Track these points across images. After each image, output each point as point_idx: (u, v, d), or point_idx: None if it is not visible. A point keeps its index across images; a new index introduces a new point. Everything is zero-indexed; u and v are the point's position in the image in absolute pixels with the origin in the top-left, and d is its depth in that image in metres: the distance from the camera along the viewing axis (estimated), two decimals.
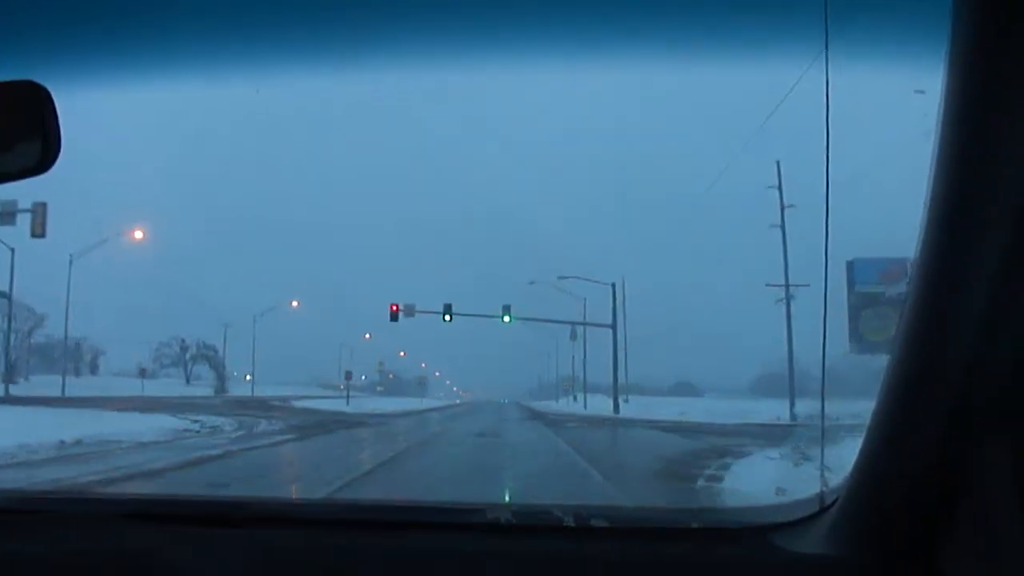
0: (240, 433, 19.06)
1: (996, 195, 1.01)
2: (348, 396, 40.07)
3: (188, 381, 56.21)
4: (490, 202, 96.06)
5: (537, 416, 33.79)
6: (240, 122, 78.11)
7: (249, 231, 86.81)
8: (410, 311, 34.94)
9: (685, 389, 52.78)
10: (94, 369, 59.36)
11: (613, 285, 36.22)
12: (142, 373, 45.13)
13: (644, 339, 40.04)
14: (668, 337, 50.29)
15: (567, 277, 38.28)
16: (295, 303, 51.66)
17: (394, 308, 34.39)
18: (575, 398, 46.87)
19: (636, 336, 38.33)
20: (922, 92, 1.25)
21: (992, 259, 1.03)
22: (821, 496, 1.52)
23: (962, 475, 1.18)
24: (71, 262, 35.77)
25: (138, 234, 37.82)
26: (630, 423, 27.27)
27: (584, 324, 39.56)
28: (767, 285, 33.32)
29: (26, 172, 1.38)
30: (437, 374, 79.38)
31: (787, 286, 32.75)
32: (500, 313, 35.91)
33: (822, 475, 1.74)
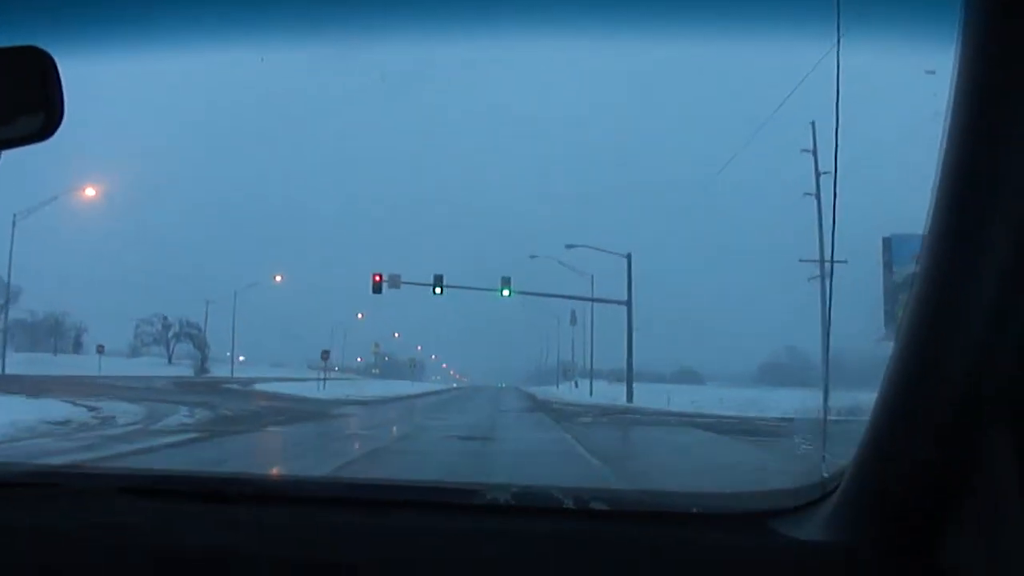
0: (127, 430, 13.07)
1: (1006, 180, 0.98)
2: (325, 379, 34.10)
3: (170, 360, 51.31)
4: (492, 183, 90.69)
5: (540, 406, 27.31)
6: (232, 97, 73.80)
7: (244, 208, 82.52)
8: (395, 282, 28.78)
9: (688, 376, 48.07)
10: (77, 347, 54.72)
11: (628, 256, 29.85)
12: (100, 350, 40.09)
13: (645, 324, 34.35)
14: (670, 323, 45.64)
15: (575, 246, 32.00)
16: (278, 278, 46.03)
17: (377, 278, 28.25)
18: (576, 384, 42.20)
19: (637, 321, 32.32)
20: (932, 72, 1.22)
21: (1001, 245, 1.00)
22: (822, 483, 1.44)
23: (966, 463, 1.13)
24: (14, 223, 30.13)
25: (89, 191, 32.03)
26: (652, 417, 21.10)
27: (592, 300, 33.33)
28: (800, 261, 28.75)
29: (28, 139, 1.34)
30: (434, 357, 75.06)
31: (822, 262, 28.25)
32: (498, 287, 29.85)
33: (823, 461, 1.68)
